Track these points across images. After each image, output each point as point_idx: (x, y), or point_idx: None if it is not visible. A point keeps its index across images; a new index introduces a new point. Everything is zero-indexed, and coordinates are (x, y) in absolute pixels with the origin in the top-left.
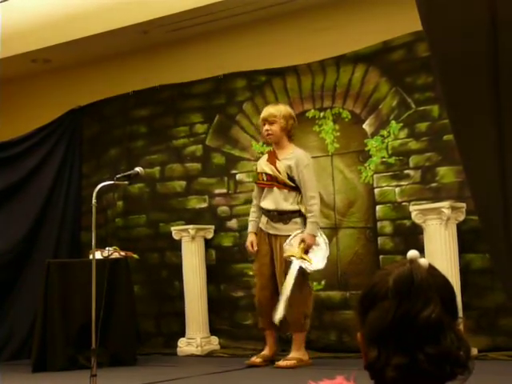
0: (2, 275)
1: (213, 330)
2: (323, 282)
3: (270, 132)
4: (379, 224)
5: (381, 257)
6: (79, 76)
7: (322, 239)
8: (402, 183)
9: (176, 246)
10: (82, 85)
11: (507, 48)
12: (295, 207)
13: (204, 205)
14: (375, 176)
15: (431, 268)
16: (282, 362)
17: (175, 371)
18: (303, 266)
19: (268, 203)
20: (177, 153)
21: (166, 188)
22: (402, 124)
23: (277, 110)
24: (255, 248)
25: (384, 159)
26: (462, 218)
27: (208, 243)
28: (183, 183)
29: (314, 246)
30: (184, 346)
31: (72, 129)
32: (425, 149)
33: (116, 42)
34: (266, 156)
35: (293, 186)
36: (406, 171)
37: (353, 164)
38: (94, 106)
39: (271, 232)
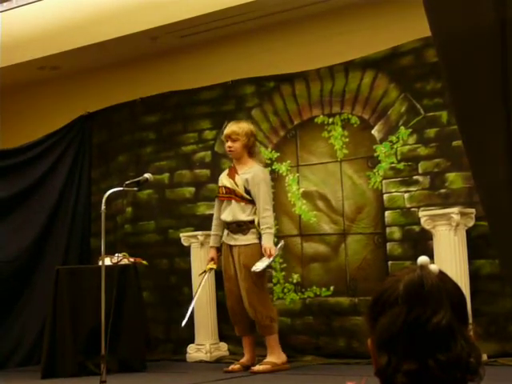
0: (11, 282)
1: (222, 337)
2: (332, 288)
3: (232, 149)
4: (388, 230)
5: (389, 263)
6: (88, 83)
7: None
8: (411, 189)
9: (185, 252)
10: (91, 91)
11: None
12: (252, 218)
13: (213, 211)
14: (384, 182)
15: (441, 274)
16: (256, 367)
17: (184, 377)
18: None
19: (226, 215)
20: (186, 159)
21: (175, 194)
22: (410, 130)
23: (239, 127)
24: (214, 265)
25: (393, 165)
26: (471, 223)
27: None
28: (192, 189)
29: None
30: (193, 353)
31: (81, 135)
32: (434, 154)
33: (125, 48)
34: (226, 171)
35: (249, 199)
36: (415, 177)
37: (361, 170)
38: (103, 113)
39: (231, 243)
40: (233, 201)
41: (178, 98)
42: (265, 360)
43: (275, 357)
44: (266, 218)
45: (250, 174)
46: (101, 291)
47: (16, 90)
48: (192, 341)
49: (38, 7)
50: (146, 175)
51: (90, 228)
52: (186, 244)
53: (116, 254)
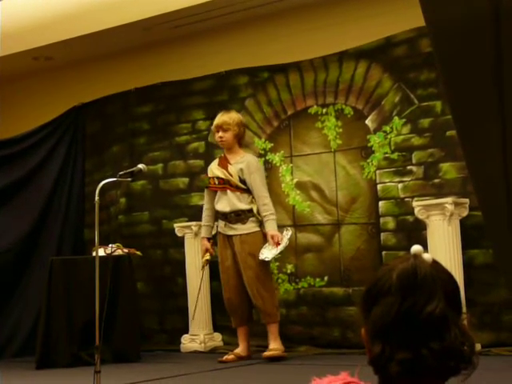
0: (5, 273)
1: (216, 327)
2: (326, 278)
3: (223, 139)
4: (382, 220)
5: (383, 253)
6: (81, 73)
7: (285, 235)
8: (405, 179)
9: (179, 242)
10: (84, 82)
11: (511, 39)
12: (249, 206)
13: None
14: (378, 172)
15: (435, 263)
16: (268, 353)
17: (179, 368)
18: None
19: (223, 206)
20: (179, 150)
21: (169, 185)
22: (404, 120)
23: (230, 117)
24: (209, 256)
25: (387, 155)
26: (465, 213)
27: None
28: (186, 180)
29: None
30: (187, 343)
31: (74, 126)
32: (428, 144)
33: (118, 39)
34: (216, 161)
35: (244, 189)
36: (409, 167)
37: (355, 160)
38: (97, 103)
39: (230, 233)
40: (228, 191)
41: (171, 89)
42: (271, 347)
43: (278, 343)
44: (266, 204)
45: (244, 163)
46: (95, 282)
47: (10, 81)
48: (186, 331)
49: None
50: (140, 166)
51: (84, 219)
52: (179, 234)
53: (110, 245)
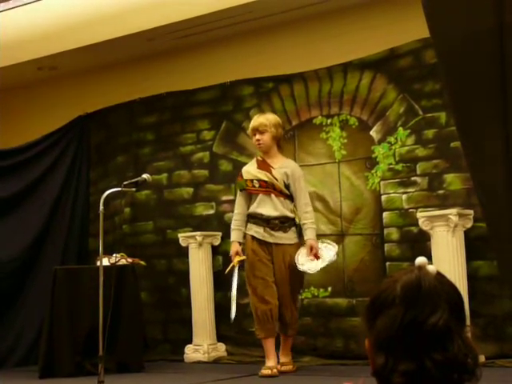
0: (9, 282)
1: (220, 337)
2: (330, 289)
3: (260, 142)
4: (386, 231)
5: (387, 264)
6: (86, 83)
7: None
8: (409, 190)
9: (183, 252)
10: (89, 92)
11: None
12: (293, 215)
13: (211, 211)
14: (382, 183)
15: (439, 275)
16: (284, 367)
17: (182, 378)
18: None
19: (268, 210)
20: (184, 160)
21: (173, 195)
22: (409, 131)
23: (266, 118)
24: (243, 257)
25: (391, 166)
26: (469, 224)
27: (215, 250)
28: (190, 190)
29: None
30: (191, 353)
31: (79, 136)
32: (432, 156)
33: (122, 49)
34: (253, 163)
35: (287, 195)
36: (413, 178)
37: (360, 171)
38: (101, 113)
39: (271, 241)
40: (272, 195)
41: (175, 99)
42: (284, 360)
43: (290, 357)
44: (308, 212)
45: (289, 168)
46: (99, 291)
47: (14, 91)
48: (190, 341)
49: (35, 8)
50: (144, 176)
51: (88, 228)
52: (184, 245)
53: (114, 255)
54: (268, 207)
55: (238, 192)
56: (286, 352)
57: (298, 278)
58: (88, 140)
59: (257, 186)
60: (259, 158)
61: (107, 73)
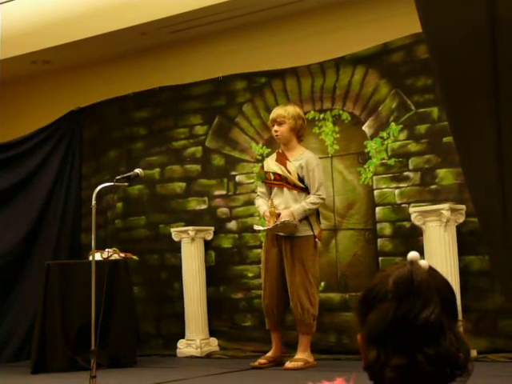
0: (1, 277)
1: (212, 332)
2: (322, 284)
3: (278, 133)
4: (379, 226)
5: (380, 258)
6: (79, 77)
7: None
8: (402, 185)
9: (176, 247)
10: (82, 86)
11: (506, 49)
12: None
13: (204, 206)
14: (375, 178)
15: (431, 269)
16: (289, 364)
17: (175, 373)
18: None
19: (278, 204)
20: (176, 154)
21: (166, 189)
22: (401, 126)
23: (285, 110)
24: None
25: (383, 161)
26: (461, 219)
27: (208, 245)
28: (183, 185)
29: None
30: (183, 348)
31: (71, 130)
32: (424, 151)
33: (115, 43)
34: (274, 155)
35: (302, 188)
36: (406, 173)
37: (352, 166)
38: (94, 108)
39: (281, 234)
40: (285, 189)
41: (168, 94)
42: (296, 357)
43: (307, 354)
44: (314, 203)
45: (303, 160)
46: (91, 286)
47: (7, 84)
48: (182, 336)
49: (29, 1)
50: (137, 170)
51: (81, 223)
52: (176, 239)
53: (106, 250)
54: (278, 201)
55: (259, 183)
56: (301, 349)
57: (309, 273)
58: (80, 134)
59: (272, 178)
60: (280, 150)
61: (100, 67)
